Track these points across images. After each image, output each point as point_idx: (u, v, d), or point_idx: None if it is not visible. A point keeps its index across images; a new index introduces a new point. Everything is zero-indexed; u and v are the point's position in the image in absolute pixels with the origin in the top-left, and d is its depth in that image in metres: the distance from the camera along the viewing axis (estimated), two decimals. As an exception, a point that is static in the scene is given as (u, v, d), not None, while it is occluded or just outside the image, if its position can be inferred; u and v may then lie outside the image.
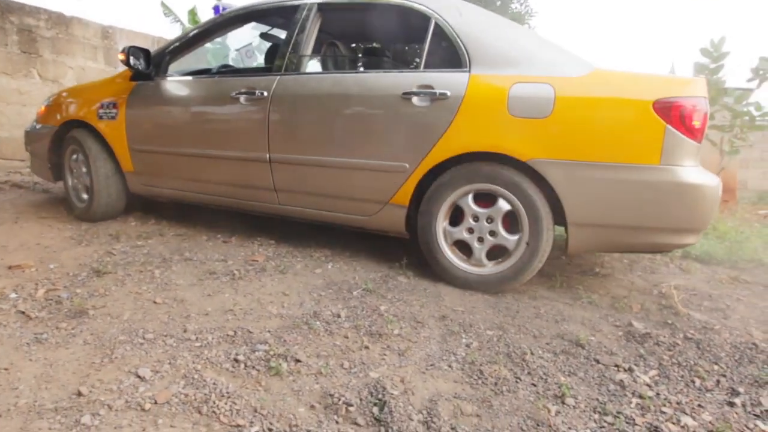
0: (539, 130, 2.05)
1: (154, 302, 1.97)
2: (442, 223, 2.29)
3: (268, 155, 2.55)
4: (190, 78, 2.90)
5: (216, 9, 3.36)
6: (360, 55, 3.04)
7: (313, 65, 2.80)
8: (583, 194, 2.03)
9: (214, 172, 2.77)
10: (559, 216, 2.13)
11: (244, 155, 2.62)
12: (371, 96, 2.32)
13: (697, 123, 1.93)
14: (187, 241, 2.84)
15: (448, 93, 2.17)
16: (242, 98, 2.58)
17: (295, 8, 2.64)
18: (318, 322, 1.84)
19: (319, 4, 2.58)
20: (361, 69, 2.44)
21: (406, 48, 2.86)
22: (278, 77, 2.54)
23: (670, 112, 1.91)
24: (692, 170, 1.94)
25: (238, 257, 2.57)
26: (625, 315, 2.09)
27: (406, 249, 2.64)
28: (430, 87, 2.22)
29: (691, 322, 2.04)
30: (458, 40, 2.24)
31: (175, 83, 2.89)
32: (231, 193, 2.78)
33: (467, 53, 2.21)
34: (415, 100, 2.23)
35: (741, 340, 1.87)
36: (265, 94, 2.52)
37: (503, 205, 2.17)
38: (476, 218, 2.23)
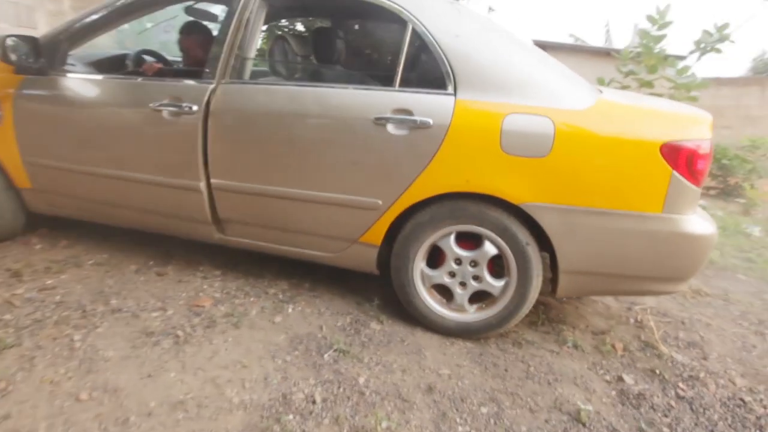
0: (535, 171, 1.80)
1: (78, 399, 1.57)
2: (419, 266, 2.03)
3: (203, 183, 2.10)
4: (95, 76, 2.30)
5: None
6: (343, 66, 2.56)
7: (258, 71, 2.30)
8: (579, 242, 1.84)
9: (134, 199, 2.28)
10: (549, 260, 1.94)
11: (171, 181, 2.15)
12: (336, 118, 1.93)
13: (702, 168, 1.77)
14: (112, 275, 2.37)
15: (431, 122, 1.84)
16: (165, 112, 2.08)
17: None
18: (290, 415, 1.56)
19: (264, -9, 2.08)
20: (322, 82, 2.01)
21: (376, 57, 2.41)
22: (213, 86, 2.06)
23: (678, 157, 1.73)
24: (694, 220, 1.80)
25: (179, 301, 2.18)
26: (613, 362, 1.99)
27: (374, 283, 2.38)
28: (408, 112, 1.87)
29: (675, 368, 1.99)
30: (441, 53, 1.87)
31: (77, 82, 2.29)
32: (158, 224, 2.33)
33: (452, 72, 1.86)
34: (390, 127, 1.88)
35: (728, 394, 1.84)
36: (195, 108, 2.03)
37: (490, 249, 1.94)
38: (459, 261, 1.99)
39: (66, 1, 4.04)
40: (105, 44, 2.57)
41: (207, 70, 2.07)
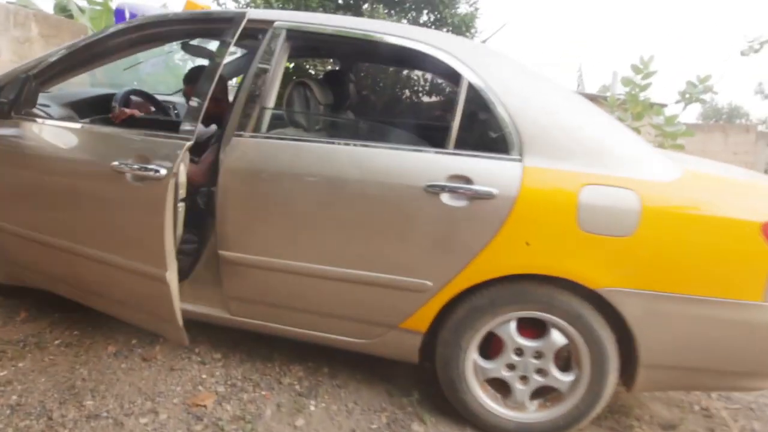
0: (617, 252, 1.53)
1: None
2: (472, 356, 1.72)
3: (169, 272, 1.70)
4: (55, 123, 1.89)
5: (119, 14, 2.27)
6: (354, 115, 2.23)
7: (279, 122, 1.95)
8: (664, 333, 1.57)
9: (91, 280, 1.88)
10: (626, 352, 1.67)
11: (129, 264, 1.75)
12: (379, 184, 1.61)
13: (804, 249, 1.55)
14: (85, 361, 1.93)
15: (495, 192, 1.56)
16: (129, 174, 1.68)
17: (253, 33, 1.78)
18: None
19: (290, 31, 1.76)
20: (359, 138, 1.69)
21: (424, 112, 2.12)
22: (232, 140, 1.71)
23: (781, 239, 1.51)
24: (797, 309, 1.57)
25: (173, 399, 1.77)
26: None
27: (406, 368, 2.03)
28: (467, 179, 1.58)
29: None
30: (504, 111, 1.60)
31: (36, 128, 1.88)
32: (130, 316, 1.93)
33: (518, 133, 1.59)
34: (445, 197, 1.58)
35: None
36: (163, 171, 1.62)
37: (558, 339, 1.65)
38: (520, 352, 1.69)
39: (34, 27, 3.59)
40: (92, 81, 2.18)
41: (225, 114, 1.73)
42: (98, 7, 8.01)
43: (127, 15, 2.21)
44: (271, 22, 1.76)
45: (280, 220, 1.69)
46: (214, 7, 5.16)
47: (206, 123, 2.05)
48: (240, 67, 3.01)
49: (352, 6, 4.94)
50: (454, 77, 1.67)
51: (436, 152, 1.63)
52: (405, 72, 1.91)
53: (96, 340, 2.09)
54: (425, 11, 5.22)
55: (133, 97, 2.24)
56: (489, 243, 1.58)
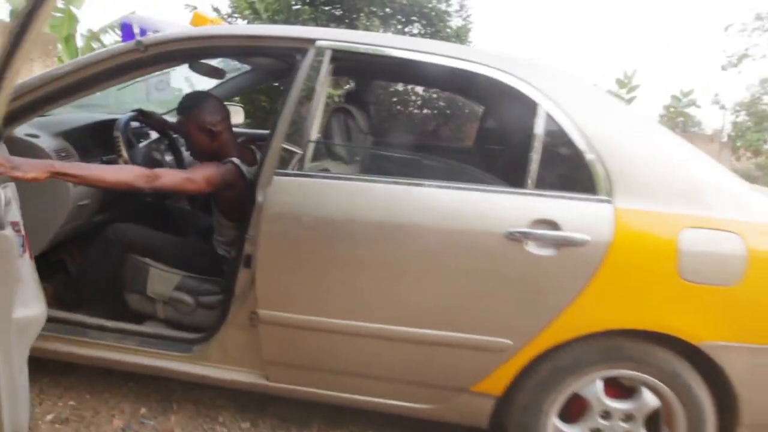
0: (720, 302, 1.37)
1: None
2: (552, 421, 1.51)
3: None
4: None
5: (127, 29, 1.94)
6: (411, 148, 1.97)
7: (322, 157, 1.69)
8: (768, 389, 1.43)
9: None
10: (723, 411, 1.51)
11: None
12: (451, 231, 1.39)
13: None
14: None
15: (588, 239, 1.37)
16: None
17: (290, 52, 1.53)
18: None
19: (336, 52, 1.52)
20: (419, 176, 1.47)
21: (494, 145, 1.90)
22: (274, 179, 1.44)
23: None
24: None
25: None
26: None
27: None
28: (554, 224, 1.38)
29: None
30: (588, 145, 1.42)
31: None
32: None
33: (606, 170, 1.41)
34: (530, 245, 1.38)
35: None
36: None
37: (650, 400, 1.47)
38: (607, 415, 1.50)
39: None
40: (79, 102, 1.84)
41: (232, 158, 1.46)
42: (59, 14, 7.48)
43: (137, 30, 1.90)
44: (311, 40, 1.52)
45: (334, 273, 1.44)
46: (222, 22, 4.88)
47: (200, 158, 1.77)
48: (240, 87, 2.74)
49: (346, 18, 4.75)
50: (528, 106, 1.47)
51: (516, 193, 1.42)
52: (481, 104, 1.70)
53: (98, 411, 1.76)
54: (419, 24, 5.09)
55: (134, 123, 1.93)
56: (579, 296, 1.39)
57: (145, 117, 2.02)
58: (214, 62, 2.25)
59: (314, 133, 1.53)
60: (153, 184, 1.46)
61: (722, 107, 13.97)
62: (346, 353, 1.51)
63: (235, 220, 1.75)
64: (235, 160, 1.69)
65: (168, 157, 2.18)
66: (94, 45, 7.77)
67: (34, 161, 1.27)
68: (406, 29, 5.18)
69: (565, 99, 1.46)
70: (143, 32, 1.81)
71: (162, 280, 1.72)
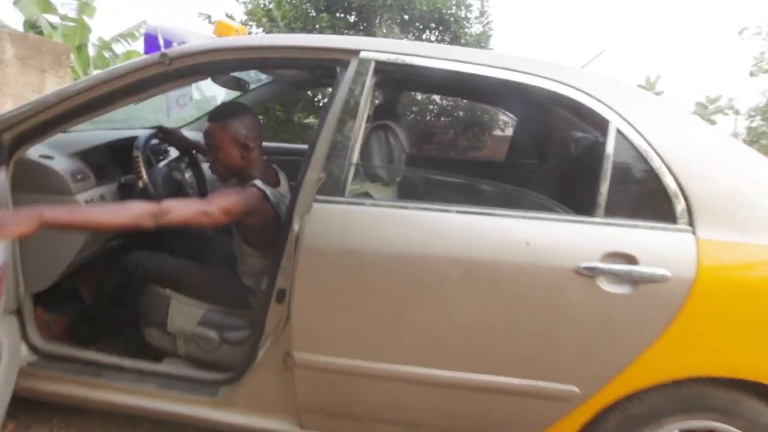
0: (822, 346, 1.21)
1: None
2: (622, 476, 1.35)
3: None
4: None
5: (151, 41, 1.82)
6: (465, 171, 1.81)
7: (360, 179, 1.54)
8: None
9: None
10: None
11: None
12: (515, 267, 1.23)
13: None
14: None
15: (669, 274, 1.21)
16: None
17: (331, 64, 1.39)
18: None
19: (381, 64, 1.37)
20: (476, 203, 1.31)
21: (558, 167, 1.74)
22: (313, 206, 1.30)
23: None
24: None
25: None
26: None
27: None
28: (630, 258, 1.22)
29: None
30: (665, 167, 1.26)
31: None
32: None
33: (685, 196, 1.25)
34: (603, 282, 1.21)
35: None
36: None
37: (735, 455, 1.30)
38: (685, 470, 1.33)
39: (9, 49, 3.06)
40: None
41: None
42: (71, 24, 7.43)
43: (161, 41, 1.77)
44: (355, 51, 1.37)
45: (381, 313, 1.28)
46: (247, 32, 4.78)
47: (224, 179, 1.62)
48: (261, 98, 2.61)
49: (364, 24, 4.62)
50: (597, 123, 1.32)
51: (585, 222, 1.26)
52: (542, 120, 1.53)
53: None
54: (437, 31, 4.96)
55: (154, 140, 1.80)
56: (657, 339, 1.22)
57: (165, 135, 1.88)
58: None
59: (357, 154, 1.38)
60: (161, 220, 1.30)
61: (736, 112, 13.74)
62: (393, 401, 1.35)
63: (260, 248, 1.60)
64: (258, 182, 1.54)
65: (188, 174, 2.04)
66: (106, 54, 7.73)
67: (20, 213, 1.12)
68: (424, 36, 5.05)
69: (638, 115, 1.29)
70: (168, 44, 1.68)
71: (184, 313, 1.57)
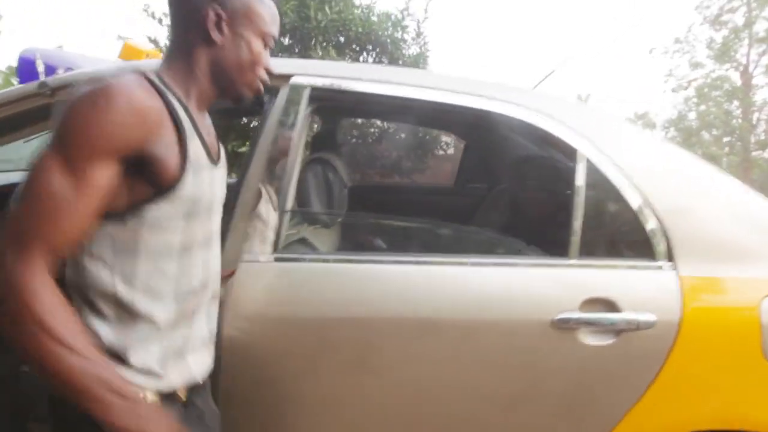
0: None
1: None
2: None
3: None
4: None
5: (27, 65, 1.46)
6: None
7: (296, 222, 1.30)
8: None
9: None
10: None
11: None
12: (479, 324, 1.05)
13: None
14: None
15: (654, 319, 1.07)
16: None
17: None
18: None
19: (317, 90, 1.17)
20: (436, 248, 1.12)
21: (524, 204, 1.56)
22: (241, 266, 1.05)
23: None
24: None
25: None
26: None
27: None
28: (611, 305, 1.07)
29: None
30: (641, 199, 1.14)
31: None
32: None
33: (663, 229, 1.13)
34: (583, 333, 1.06)
35: None
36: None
37: None
38: None
39: None
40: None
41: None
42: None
43: (40, 67, 1.46)
44: (285, 77, 1.16)
45: (334, 387, 1.06)
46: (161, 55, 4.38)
47: None
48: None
49: (298, 47, 4.42)
50: (565, 152, 1.18)
51: (560, 266, 1.11)
52: (508, 152, 1.36)
53: None
54: (374, 52, 4.85)
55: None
56: (645, 393, 1.08)
57: None
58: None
59: (291, 198, 1.16)
60: None
61: (653, 126, 14.89)
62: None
63: None
64: None
65: None
66: (14, 81, 7.03)
67: None
68: (361, 58, 4.93)
69: (611, 144, 1.17)
70: (50, 70, 1.39)
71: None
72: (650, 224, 1.13)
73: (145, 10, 4.50)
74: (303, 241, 1.24)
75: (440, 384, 1.07)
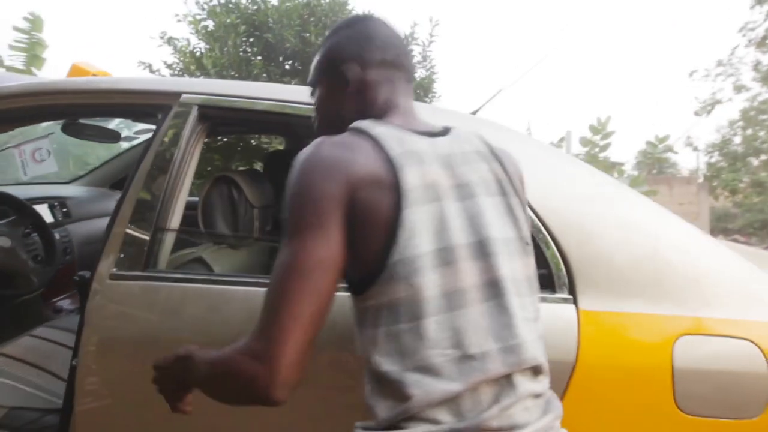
0: (739, 444, 0.96)
1: None
2: None
3: None
4: None
5: None
6: None
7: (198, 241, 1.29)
8: None
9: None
10: None
11: None
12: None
13: None
14: None
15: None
16: None
17: (151, 110, 1.17)
18: None
19: (204, 107, 1.16)
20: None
21: None
22: (105, 283, 1.03)
23: None
24: None
25: None
26: None
27: None
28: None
29: None
30: (539, 224, 1.05)
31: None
32: None
33: (565, 258, 1.03)
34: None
35: None
36: None
37: None
38: None
39: None
40: None
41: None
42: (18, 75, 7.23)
43: None
44: (175, 94, 1.15)
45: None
46: (139, 74, 4.52)
47: None
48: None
49: (303, 72, 4.49)
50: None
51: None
52: None
53: None
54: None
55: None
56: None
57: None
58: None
59: (178, 216, 1.13)
60: None
61: (695, 149, 14.14)
62: None
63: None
64: None
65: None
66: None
67: None
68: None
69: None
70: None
71: None
72: (549, 250, 1.03)
73: (161, 37, 4.65)
74: (199, 261, 1.21)
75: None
